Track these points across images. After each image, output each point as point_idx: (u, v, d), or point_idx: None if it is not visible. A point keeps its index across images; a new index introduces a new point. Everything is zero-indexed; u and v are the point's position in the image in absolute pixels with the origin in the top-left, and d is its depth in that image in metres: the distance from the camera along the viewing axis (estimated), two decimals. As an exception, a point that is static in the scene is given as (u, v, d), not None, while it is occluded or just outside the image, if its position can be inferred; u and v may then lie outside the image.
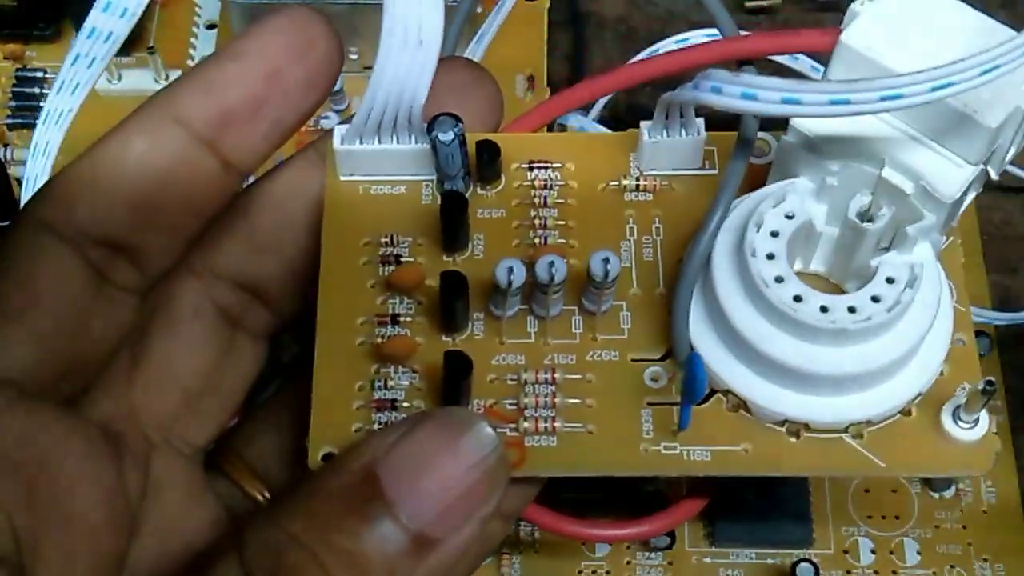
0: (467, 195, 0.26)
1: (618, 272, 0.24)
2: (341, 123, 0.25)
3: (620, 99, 0.43)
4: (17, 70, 0.46)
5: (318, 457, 0.24)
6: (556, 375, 0.25)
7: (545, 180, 0.26)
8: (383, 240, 0.25)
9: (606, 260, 0.23)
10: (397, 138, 0.25)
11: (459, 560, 0.22)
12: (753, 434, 0.24)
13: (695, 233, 0.24)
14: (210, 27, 0.48)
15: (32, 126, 0.45)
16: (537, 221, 0.26)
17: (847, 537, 0.37)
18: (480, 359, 0.24)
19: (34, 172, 0.28)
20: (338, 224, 0.26)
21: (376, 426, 0.24)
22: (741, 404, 0.24)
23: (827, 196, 0.24)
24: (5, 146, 0.45)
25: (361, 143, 0.25)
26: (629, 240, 0.26)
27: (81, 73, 0.25)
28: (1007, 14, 0.45)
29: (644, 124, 0.26)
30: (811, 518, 0.37)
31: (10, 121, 0.46)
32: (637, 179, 0.26)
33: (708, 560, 0.37)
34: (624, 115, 0.43)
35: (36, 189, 0.25)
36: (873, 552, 0.37)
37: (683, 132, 0.26)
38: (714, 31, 0.36)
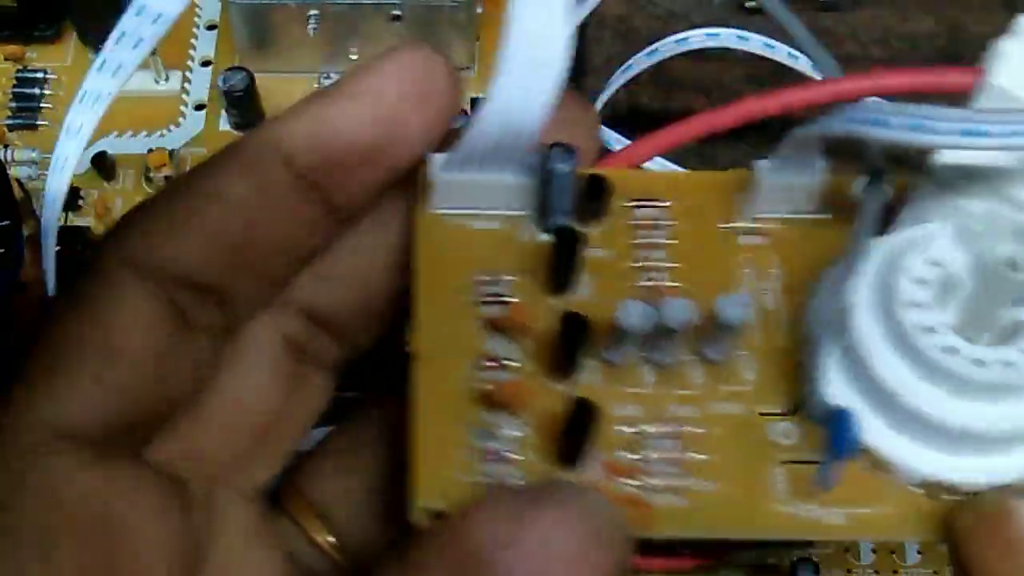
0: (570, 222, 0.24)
1: (751, 316, 0.22)
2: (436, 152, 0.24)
3: (620, 99, 0.43)
4: (17, 71, 0.46)
5: (426, 511, 0.22)
6: (681, 428, 0.23)
7: (653, 220, 0.25)
8: (483, 278, 0.24)
9: (741, 306, 0.22)
10: (501, 169, 0.23)
11: None
12: (890, 496, 0.23)
13: (834, 279, 0.22)
14: (210, 27, 0.48)
15: (32, 127, 0.45)
16: (647, 263, 0.24)
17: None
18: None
19: (64, 154, 0.26)
20: (432, 259, 0.24)
21: (485, 479, 0.22)
22: (878, 464, 0.23)
23: (970, 243, 0.23)
24: (5, 146, 0.45)
25: (462, 172, 0.24)
26: (746, 287, 0.24)
27: (126, 53, 0.23)
28: (1009, 15, 0.45)
29: (761, 163, 0.24)
30: (811, 518, 0.37)
31: (10, 122, 0.46)
32: (752, 222, 0.25)
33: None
34: (626, 116, 0.43)
35: (67, 171, 0.24)
36: (873, 552, 0.37)
37: (802, 173, 0.24)
38: (714, 31, 0.36)
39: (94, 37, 0.45)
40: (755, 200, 0.25)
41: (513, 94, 0.21)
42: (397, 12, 0.44)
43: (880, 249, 0.23)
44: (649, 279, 0.24)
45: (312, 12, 0.44)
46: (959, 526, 0.22)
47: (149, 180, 0.44)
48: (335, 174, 0.23)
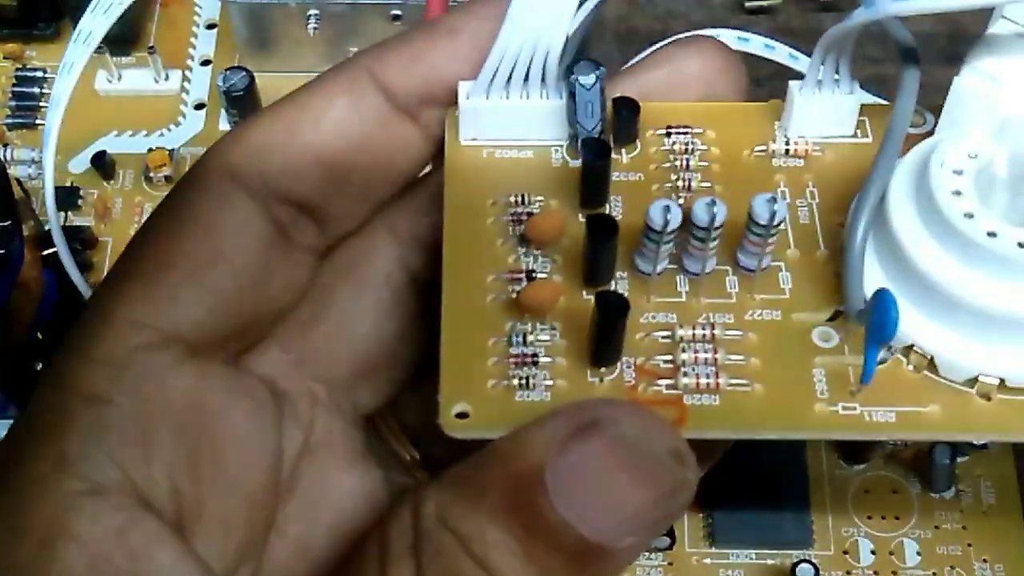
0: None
1: (784, 216, 0.22)
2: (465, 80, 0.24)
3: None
4: (17, 70, 0.47)
5: (451, 415, 0.22)
6: (715, 332, 0.22)
7: (685, 144, 0.25)
8: (512, 199, 0.24)
9: (772, 200, 0.21)
10: (528, 93, 0.24)
11: (616, 571, 0.20)
12: (940, 395, 0.22)
13: (868, 174, 0.22)
14: (210, 27, 0.48)
15: (32, 126, 0.45)
16: (680, 183, 0.24)
17: (847, 537, 0.37)
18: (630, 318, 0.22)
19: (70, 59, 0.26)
20: (461, 187, 0.24)
21: (516, 382, 0.22)
22: (925, 363, 0.22)
23: (1007, 137, 0.22)
24: (5, 146, 0.45)
25: (488, 99, 0.24)
26: (783, 202, 0.23)
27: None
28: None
29: (794, 83, 0.24)
30: (811, 518, 0.37)
31: (10, 121, 0.46)
32: (786, 144, 0.25)
33: (708, 561, 0.37)
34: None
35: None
36: (873, 552, 0.37)
37: (838, 90, 0.24)
38: (715, 31, 0.36)
39: (94, 36, 0.45)
40: (790, 121, 0.25)
41: (532, 14, 0.21)
42: (397, 12, 0.44)
43: (916, 150, 0.23)
44: (682, 199, 0.24)
45: (312, 12, 0.44)
46: None
47: (149, 180, 0.44)
48: (431, 105, 0.24)
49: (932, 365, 0.22)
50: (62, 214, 0.44)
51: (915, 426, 0.22)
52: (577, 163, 0.24)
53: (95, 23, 0.24)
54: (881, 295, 0.21)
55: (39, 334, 0.37)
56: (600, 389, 0.22)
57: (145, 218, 0.43)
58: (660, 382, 0.22)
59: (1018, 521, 0.38)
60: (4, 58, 0.47)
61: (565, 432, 0.20)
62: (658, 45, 0.31)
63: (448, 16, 0.24)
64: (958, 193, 0.22)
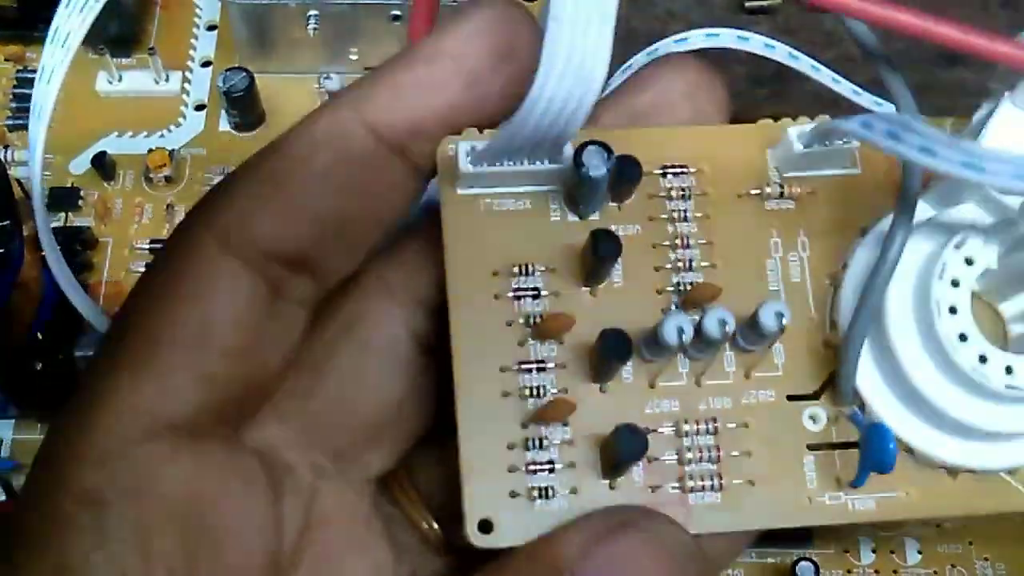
0: (600, 212, 0.24)
1: (790, 320, 0.23)
2: (455, 137, 0.23)
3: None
4: (17, 71, 0.47)
5: (476, 526, 0.22)
6: (717, 424, 0.23)
7: (681, 189, 0.25)
8: (515, 270, 0.24)
9: (779, 315, 0.22)
10: (532, 161, 0.23)
11: None
12: (913, 478, 0.24)
13: (866, 285, 0.23)
14: (210, 28, 0.48)
15: (32, 127, 0.45)
16: (678, 240, 0.24)
17: (847, 536, 0.37)
18: (633, 407, 0.23)
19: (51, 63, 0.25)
20: (463, 251, 0.23)
21: (535, 492, 0.23)
22: (903, 448, 0.24)
23: (1005, 234, 0.23)
24: (5, 147, 0.45)
25: (492, 165, 0.23)
26: (775, 258, 0.25)
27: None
28: (1008, 15, 0.45)
29: (792, 129, 0.24)
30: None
31: (10, 122, 0.46)
32: (780, 185, 0.25)
33: (708, 560, 0.37)
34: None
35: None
36: (873, 551, 0.37)
37: (831, 145, 0.24)
38: (714, 31, 0.36)
39: (93, 36, 0.45)
40: (783, 162, 0.25)
41: (554, 99, 0.21)
42: (397, 12, 0.44)
43: (915, 239, 0.23)
44: (680, 260, 0.24)
45: (312, 12, 0.44)
46: None
47: (149, 180, 0.44)
48: (419, 138, 0.23)
49: (909, 451, 0.24)
50: (62, 215, 0.44)
51: (893, 510, 0.24)
52: (574, 219, 0.24)
53: (71, 22, 0.23)
54: (880, 431, 0.22)
55: (39, 334, 0.37)
56: (614, 494, 0.23)
57: (145, 218, 0.44)
58: (666, 484, 0.23)
59: (1018, 521, 0.38)
60: (5, 59, 0.47)
61: (597, 531, 0.21)
62: (629, 64, 0.30)
63: (428, 41, 0.23)
64: (953, 311, 0.23)
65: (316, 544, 0.23)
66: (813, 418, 0.24)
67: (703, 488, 0.23)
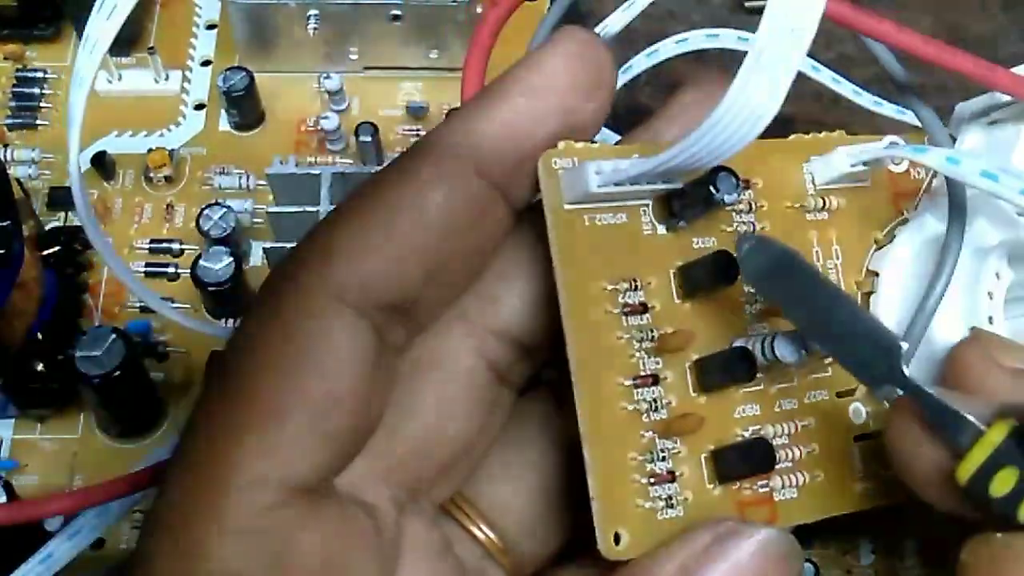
0: (679, 226, 0.25)
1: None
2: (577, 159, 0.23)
3: (620, 100, 0.42)
4: (17, 70, 0.47)
5: (611, 540, 0.23)
6: (792, 425, 0.25)
7: (748, 203, 0.26)
8: (623, 286, 0.24)
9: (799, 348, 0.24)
10: (652, 183, 0.24)
11: None
12: None
13: (925, 292, 0.25)
14: (210, 27, 0.48)
15: (33, 126, 0.45)
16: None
17: (848, 536, 0.37)
18: (725, 412, 0.25)
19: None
20: (574, 266, 0.23)
21: (661, 501, 0.24)
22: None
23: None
24: (5, 146, 0.45)
25: (616, 186, 0.23)
26: (817, 266, 0.27)
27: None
28: (1007, 16, 0.45)
29: (843, 149, 0.26)
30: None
31: (10, 121, 0.46)
32: (821, 199, 0.27)
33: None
34: (625, 117, 0.43)
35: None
36: (873, 552, 0.37)
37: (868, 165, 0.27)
38: (714, 31, 0.36)
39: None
40: (822, 174, 0.27)
41: (711, 145, 0.21)
42: (397, 12, 0.44)
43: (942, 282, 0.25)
44: None
45: (312, 12, 0.44)
46: (967, 561, 0.22)
47: (149, 180, 0.44)
48: (522, 174, 0.23)
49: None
50: (62, 214, 0.44)
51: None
52: (663, 231, 0.25)
53: (101, 29, 0.23)
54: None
55: (39, 334, 0.37)
56: (715, 493, 0.24)
57: (145, 217, 0.44)
58: (756, 485, 0.25)
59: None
60: (4, 58, 0.47)
61: (702, 542, 0.22)
62: (629, 65, 0.30)
63: (520, 72, 0.23)
64: (990, 320, 0.25)
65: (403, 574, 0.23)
66: (856, 414, 0.26)
67: (783, 485, 0.25)
